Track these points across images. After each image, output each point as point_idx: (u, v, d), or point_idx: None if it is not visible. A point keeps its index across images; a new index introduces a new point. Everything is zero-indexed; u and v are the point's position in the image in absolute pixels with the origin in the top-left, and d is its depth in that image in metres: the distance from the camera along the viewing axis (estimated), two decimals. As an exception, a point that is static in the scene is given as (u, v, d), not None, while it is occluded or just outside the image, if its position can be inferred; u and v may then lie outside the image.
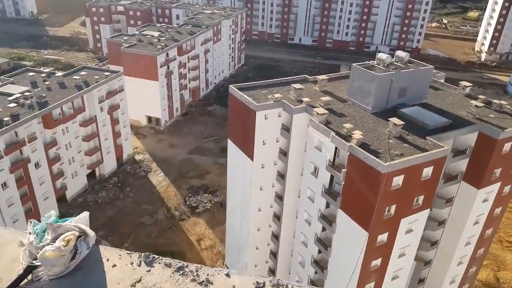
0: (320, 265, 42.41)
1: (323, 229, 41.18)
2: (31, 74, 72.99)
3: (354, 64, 44.32)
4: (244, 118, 44.65)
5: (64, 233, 4.26)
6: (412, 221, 36.57)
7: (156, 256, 4.37)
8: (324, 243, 40.98)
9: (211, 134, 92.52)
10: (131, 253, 4.44)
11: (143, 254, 4.39)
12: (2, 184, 54.91)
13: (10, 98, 61.24)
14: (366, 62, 45.19)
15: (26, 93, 63.22)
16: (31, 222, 4.18)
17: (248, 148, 45.52)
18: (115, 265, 4.31)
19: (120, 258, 4.39)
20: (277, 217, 49.58)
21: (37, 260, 4.11)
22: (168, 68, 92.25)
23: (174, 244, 62.51)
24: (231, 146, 49.56)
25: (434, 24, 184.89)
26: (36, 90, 65.57)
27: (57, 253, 4.07)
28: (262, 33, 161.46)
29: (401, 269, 39.86)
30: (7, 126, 54.56)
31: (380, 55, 44.32)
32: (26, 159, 58.06)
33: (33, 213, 60.97)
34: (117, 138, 79.08)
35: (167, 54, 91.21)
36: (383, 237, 35.85)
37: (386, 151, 34.06)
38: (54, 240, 4.21)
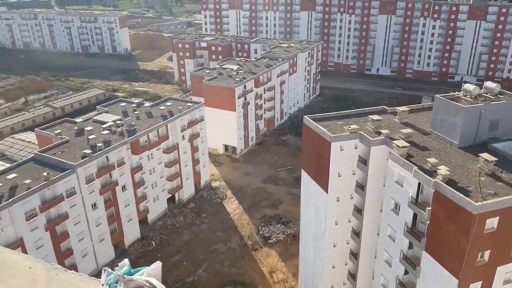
0: (400, 310, 39.15)
1: (406, 272, 38.11)
2: (123, 104, 79.58)
3: (437, 95, 41.84)
4: (319, 149, 43.93)
5: (135, 288, 4.00)
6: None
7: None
8: None
9: (284, 164, 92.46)
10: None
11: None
12: (92, 205, 59.42)
13: (104, 126, 67.04)
14: (451, 93, 42.49)
15: (118, 122, 68.76)
16: (105, 271, 4.02)
17: (322, 180, 44.43)
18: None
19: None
20: (354, 255, 46.89)
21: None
22: (245, 99, 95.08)
23: (247, 275, 62.02)
24: (305, 177, 48.81)
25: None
26: (126, 119, 71.03)
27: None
28: (338, 64, 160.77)
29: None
30: (100, 151, 59.43)
31: (467, 86, 41.41)
32: (114, 182, 62.47)
33: (117, 234, 64.91)
34: (196, 165, 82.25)
35: (245, 86, 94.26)
36: (475, 286, 32.14)
37: (477, 190, 31.03)
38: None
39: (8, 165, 64.73)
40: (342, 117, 46.74)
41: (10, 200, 48.55)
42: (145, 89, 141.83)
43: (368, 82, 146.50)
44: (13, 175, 53.21)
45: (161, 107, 77.08)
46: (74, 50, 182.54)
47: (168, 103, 79.95)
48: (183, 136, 76.79)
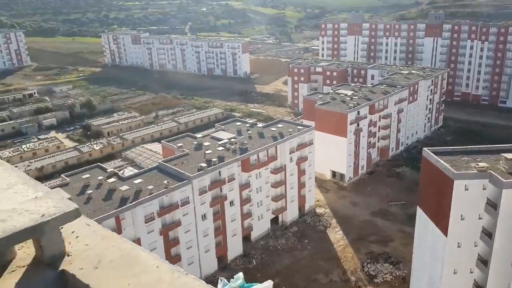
0: None
1: None
2: (238, 123, 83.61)
3: None
4: (439, 186, 39.66)
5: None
6: None
7: None
8: None
9: (397, 198, 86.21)
10: None
11: None
12: (202, 215, 62.74)
13: (219, 143, 71.07)
14: None
15: (232, 139, 72.24)
16: (221, 281, 3.82)
17: (441, 221, 39.86)
18: None
19: None
20: (474, 310, 40.95)
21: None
22: (357, 125, 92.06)
23: (346, 311, 58.50)
24: (421, 215, 44.48)
25: None
26: (240, 138, 74.25)
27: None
28: (466, 94, 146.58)
29: None
30: (214, 166, 62.82)
31: None
32: (224, 196, 65.26)
33: (221, 247, 67.23)
34: (302, 189, 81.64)
35: (358, 112, 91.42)
36: None
37: None
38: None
39: (136, 171, 72.38)
40: (469, 152, 41.85)
41: (134, 202, 53.89)
42: (259, 110, 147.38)
43: (502, 116, 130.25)
44: (139, 180, 59.10)
45: (272, 128, 78.86)
46: (200, 72, 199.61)
47: (280, 125, 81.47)
48: (291, 158, 77.13)
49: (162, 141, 78.53)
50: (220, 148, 68.61)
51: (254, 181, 71.36)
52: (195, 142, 71.80)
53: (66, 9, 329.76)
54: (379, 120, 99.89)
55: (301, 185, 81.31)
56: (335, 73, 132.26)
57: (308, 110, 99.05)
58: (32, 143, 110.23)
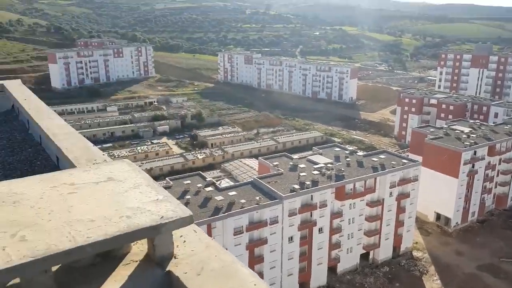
0: None
1: None
2: (337, 149, 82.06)
3: None
4: None
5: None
6: None
7: None
8: None
9: (512, 254, 75.84)
10: None
11: None
12: (289, 238, 62.45)
13: (315, 166, 70.40)
14: None
15: (329, 165, 71.02)
16: None
17: None
18: None
19: None
20: None
21: None
22: (472, 166, 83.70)
23: None
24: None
25: None
26: (337, 164, 72.65)
27: None
28: None
29: None
30: (307, 189, 62.40)
31: None
32: (313, 222, 64.21)
33: (305, 273, 65.89)
34: (399, 227, 76.45)
35: (475, 152, 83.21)
36: None
37: None
38: None
39: (232, 183, 75.34)
40: None
41: (226, 213, 56.02)
42: (361, 138, 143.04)
43: None
44: (233, 192, 61.35)
45: (373, 159, 75.75)
46: (305, 94, 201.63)
47: (382, 156, 77.91)
48: (390, 193, 72.99)
49: (259, 157, 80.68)
50: (315, 172, 67.96)
51: (347, 211, 68.98)
52: (291, 163, 72.24)
53: (191, 28, 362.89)
54: (499, 164, 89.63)
55: (399, 223, 76.20)
56: (451, 107, 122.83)
57: (416, 144, 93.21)
58: (146, 146, 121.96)
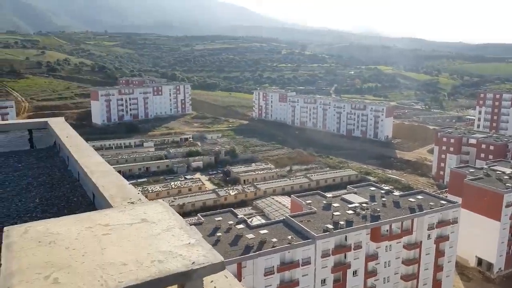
0: None
1: None
2: (372, 188, 79.85)
3: None
4: None
5: None
6: None
7: None
8: None
9: None
10: None
11: None
12: (322, 280, 60.08)
13: (349, 206, 68.55)
14: None
15: (364, 204, 68.99)
16: None
17: None
18: None
19: None
20: None
21: None
22: (517, 210, 78.98)
23: None
24: None
25: None
26: (372, 204, 70.49)
27: None
28: None
29: None
30: (341, 229, 60.52)
31: None
32: (347, 264, 61.73)
33: (339, 318, 62.75)
34: (438, 272, 72.14)
35: (520, 194, 78.71)
36: None
37: None
38: None
39: (263, 221, 74.39)
40: None
41: (257, 252, 54.92)
42: (397, 177, 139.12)
43: None
44: (265, 231, 60.35)
45: (410, 199, 73.04)
46: (339, 132, 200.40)
47: (419, 196, 75.02)
48: (428, 235, 69.56)
49: (292, 195, 79.59)
50: (350, 212, 66.10)
51: (383, 253, 66.03)
52: (324, 201, 70.77)
53: (228, 68, 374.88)
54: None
55: (438, 268, 71.99)
56: (492, 147, 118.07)
57: (455, 184, 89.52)
58: (180, 181, 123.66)
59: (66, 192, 7.20)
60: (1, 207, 6.75)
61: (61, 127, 10.56)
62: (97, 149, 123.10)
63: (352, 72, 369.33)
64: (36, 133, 11.03)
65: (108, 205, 4.83)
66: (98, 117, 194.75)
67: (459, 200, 78.43)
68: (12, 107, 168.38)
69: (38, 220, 3.77)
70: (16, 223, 4.11)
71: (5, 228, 3.61)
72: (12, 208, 6.71)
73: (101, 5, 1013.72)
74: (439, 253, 71.56)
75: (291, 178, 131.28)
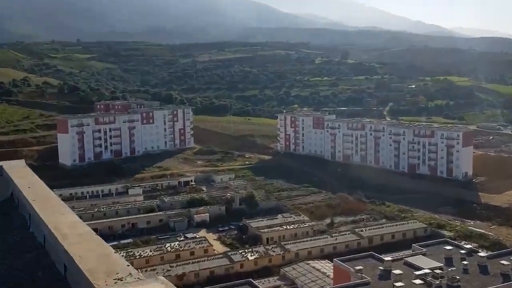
0: None
1: None
2: (448, 247, 78.25)
3: None
4: None
5: None
6: None
7: None
8: None
9: None
10: None
11: None
12: None
13: (417, 273, 67.28)
14: None
15: (437, 271, 67.58)
16: None
17: None
18: None
19: None
20: None
21: None
22: None
23: None
24: None
25: None
26: (449, 269, 69.09)
27: None
28: None
29: None
30: (406, 308, 58.93)
31: None
32: None
33: None
34: None
35: None
36: None
37: None
38: None
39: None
40: None
41: None
42: (483, 231, 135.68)
43: None
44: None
45: (503, 262, 71.35)
46: (398, 169, 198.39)
47: (515, 258, 73.26)
48: (534, 315, 67.10)
49: (335, 259, 78.40)
50: (418, 282, 65.04)
51: None
52: (381, 267, 70.12)
53: (243, 84, 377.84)
54: None
55: None
56: None
57: None
58: (178, 242, 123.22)
59: (28, 262, 7.19)
60: None
61: (20, 174, 10.70)
62: (65, 199, 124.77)
63: (413, 86, 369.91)
64: (-14, 182, 11.18)
65: (87, 283, 4.88)
66: (67, 155, 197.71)
67: None
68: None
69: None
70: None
71: None
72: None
73: (72, 7, 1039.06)
74: None
75: (333, 235, 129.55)
